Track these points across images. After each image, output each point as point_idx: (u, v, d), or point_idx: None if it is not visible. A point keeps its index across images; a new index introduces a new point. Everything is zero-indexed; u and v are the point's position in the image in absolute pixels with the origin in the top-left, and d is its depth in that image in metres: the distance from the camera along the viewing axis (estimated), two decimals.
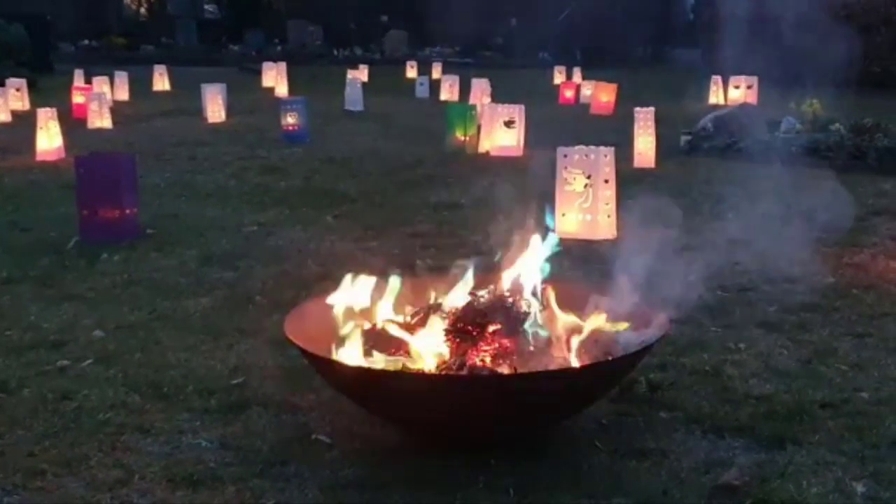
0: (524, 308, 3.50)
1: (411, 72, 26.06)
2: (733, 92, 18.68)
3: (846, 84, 14.23)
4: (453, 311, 3.51)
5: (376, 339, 3.50)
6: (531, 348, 3.40)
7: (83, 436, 3.50)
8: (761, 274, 5.75)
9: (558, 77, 23.46)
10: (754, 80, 18.69)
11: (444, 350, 3.39)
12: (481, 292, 3.58)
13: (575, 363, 3.40)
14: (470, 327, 3.41)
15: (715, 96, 19.06)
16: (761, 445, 3.39)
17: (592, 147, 6.91)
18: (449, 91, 19.66)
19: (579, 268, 5.74)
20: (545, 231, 3.77)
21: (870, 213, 7.68)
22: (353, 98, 17.52)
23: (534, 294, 3.59)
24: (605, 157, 6.86)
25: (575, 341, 3.49)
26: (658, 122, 10.41)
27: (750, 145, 11.19)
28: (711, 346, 4.45)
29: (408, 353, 3.42)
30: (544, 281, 3.65)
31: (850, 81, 15.33)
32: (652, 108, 10.38)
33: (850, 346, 4.46)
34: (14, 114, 15.03)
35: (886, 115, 12.67)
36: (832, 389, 3.91)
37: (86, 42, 39.04)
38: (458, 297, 3.61)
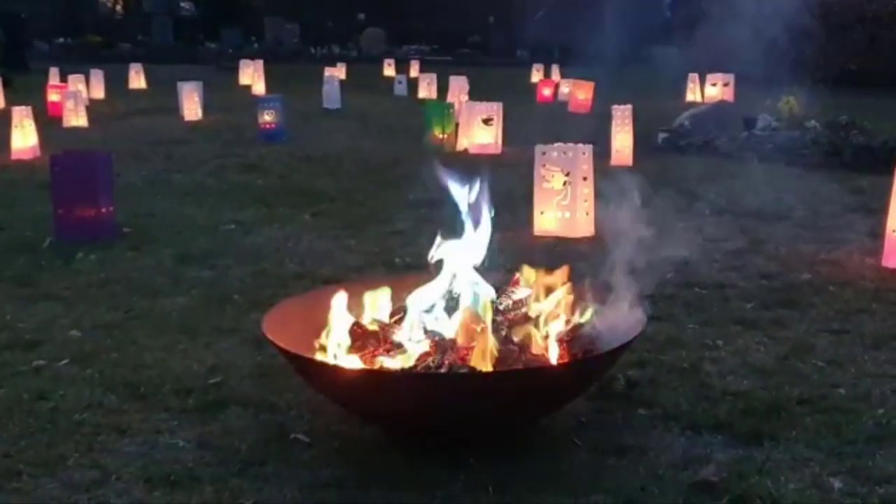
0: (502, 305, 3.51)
1: (389, 70, 26.05)
2: (710, 89, 18.79)
3: (822, 82, 14.33)
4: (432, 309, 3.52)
5: (357, 337, 3.50)
6: (510, 346, 3.40)
7: (59, 436, 3.47)
8: (738, 270, 5.78)
9: (536, 75, 23.50)
10: (731, 77, 18.80)
11: (424, 348, 3.39)
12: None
13: (553, 361, 3.40)
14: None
15: (692, 94, 19.16)
16: (739, 442, 3.39)
17: (570, 144, 6.92)
18: (427, 89, 19.65)
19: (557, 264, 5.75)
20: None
21: (846, 209, 7.72)
22: (331, 96, 17.50)
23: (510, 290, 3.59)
24: (583, 155, 6.86)
25: (553, 338, 3.49)
26: (636, 119, 10.44)
27: (727, 142, 11.24)
28: (689, 342, 4.46)
29: (387, 352, 3.42)
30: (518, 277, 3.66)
31: (827, 79, 15.44)
32: (629, 106, 10.41)
33: (827, 342, 4.48)
34: None
35: (862, 112, 12.75)
36: (809, 386, 3.92)
37: (61, 40, 38.80)
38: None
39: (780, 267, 5.87)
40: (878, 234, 6.26)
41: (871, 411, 3.65)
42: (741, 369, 4.12)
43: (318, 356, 3.45)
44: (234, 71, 24.13)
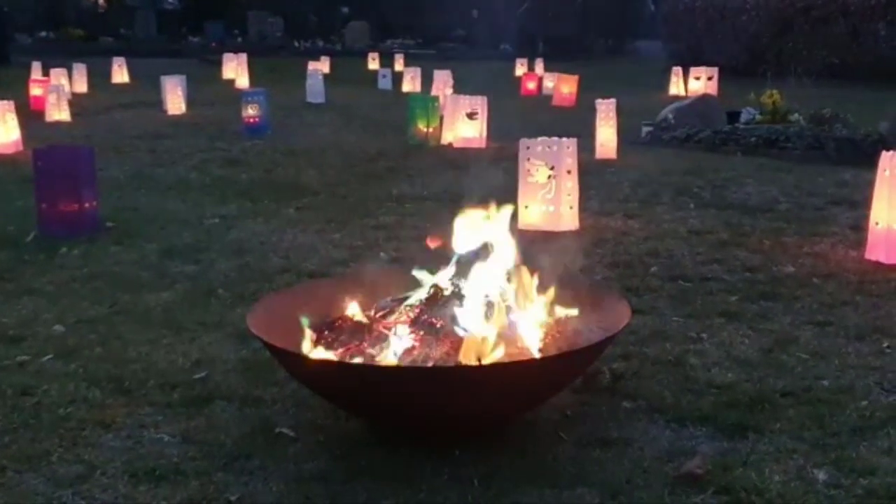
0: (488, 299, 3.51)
1: (373, 63, 26.06)
2: (694, 83, 18.84)
3: (806, 75, 14.37)
4: (418, 303, 3.52)
5: (341, 332, 3.50)
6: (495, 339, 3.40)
7: (43, 431, 3.46)
8: (722, 263, 5.79)
9: (520, 69, 23.54)
10: (714, 71, 18.87)
11: (409, 342, 3.39)
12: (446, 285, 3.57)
13: (538, 354, 3.41)
14: (434, 319, 3.41)
15: (676, 87, 19.19)
16: (723, 434, 3.41)
17: (555, 138, 6.92)
18: (411, 82, 19.66)
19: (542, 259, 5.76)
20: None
21: (829, 202, 7.75)
22: (315, 90, 17.48)
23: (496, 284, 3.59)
24: (567, 149, 6.87)
25: (538, 332, 3.49)
26: (619, 113, 10.45)
27: (710, 136, 11.27)
28: (673, 335, 4.47)
29: (373, 345, 3.41)
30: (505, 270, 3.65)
31: (810, 72, 15.49)
32: (613, 100, 10.42)
33: (811, 334, 4.50)
34: None
35: (845, 105, 12.81)
36: (793, 378, 3.94)
37: (43, 34, 38.66)
38: (422, 289, 3.61)
39: (764, 260, 5.89)
40: (861, 226, 6.29)
41: (855, 403, 3.67)
42: (725, 362, 4.13)
43: (303, 350, 3.44)
44: (218, 65, 24.10)
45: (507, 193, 6.71)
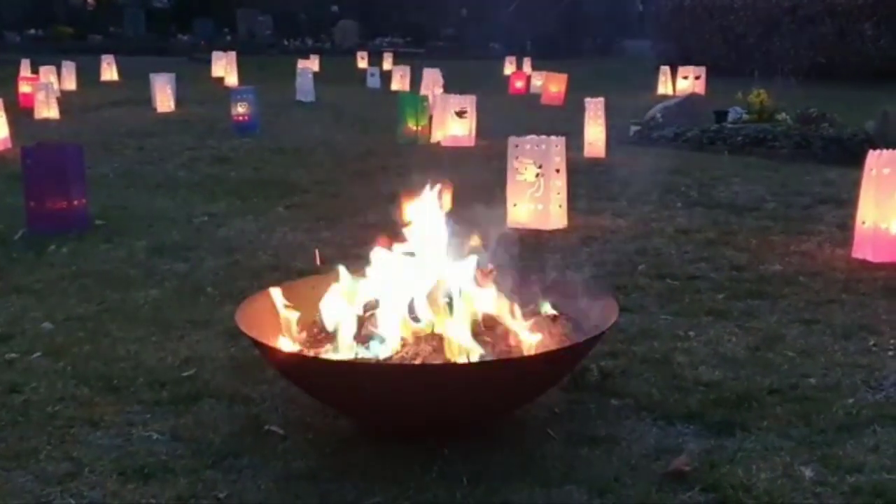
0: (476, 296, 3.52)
1: (362, 62, 26.08)
2: (682, 82, 18.89)
3: (793, 74, 14.41)
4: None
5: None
6: (484, 337, 3.41)
7: (32, 429, 3.46)
8: (710, 262, 5.81)
9: (509, 67, 23.58)
10: (702, 70, 18.92)
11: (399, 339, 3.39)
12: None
13: (527, 351, 3.42)
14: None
15: (664, 87, 19.24)
16: (711, 432, 3.42)
17: (543, 137, 6.94)
18: (400, 81, 19.67)
19: (531, 257, 5.78)
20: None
21: (816, 201, 7.78)
22: (305, 88, 17.49)
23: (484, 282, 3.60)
24: (556, 147, 6.89)
25: (527, 329, 3.50)
26: (608, 112, 10.47)
27: (698, 135, 11.30)
28: (661, 333, 4.49)
29: (362, 343, 3.42)
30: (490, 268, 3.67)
31: (797, 71, 15.53)
32: (602, 99, 10.44)
33: (798, 332, 4.52)
34: None
35: (832, 105, 12.85)
36: (780, 376, 3.96)
37: (32, 31, 38.53)
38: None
39: (751, 258, 5.91)
40: (847, 225, 6.32)
41: (841, 401, 3.69)
42: (713, 360, 4.15)
43: (292, 348, 3.45)
44: (207, 63, 24.07)
45: (495, 192, 6.77)
